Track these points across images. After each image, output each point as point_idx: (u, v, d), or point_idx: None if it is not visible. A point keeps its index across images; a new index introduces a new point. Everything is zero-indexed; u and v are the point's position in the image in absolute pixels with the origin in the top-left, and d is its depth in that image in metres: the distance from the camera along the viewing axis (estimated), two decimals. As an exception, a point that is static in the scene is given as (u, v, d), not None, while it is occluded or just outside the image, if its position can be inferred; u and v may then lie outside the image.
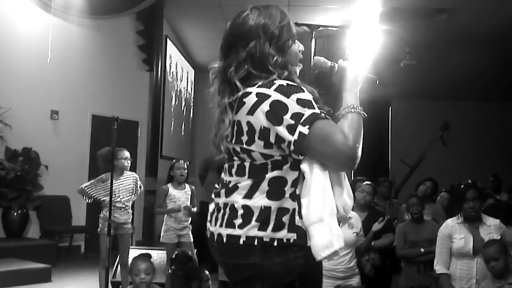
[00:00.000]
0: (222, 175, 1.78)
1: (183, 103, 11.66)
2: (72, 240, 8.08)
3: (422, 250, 4.39)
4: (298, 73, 1.82)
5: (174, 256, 4.27)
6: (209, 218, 1.76)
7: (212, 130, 1.76)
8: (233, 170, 1.69)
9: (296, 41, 1.82)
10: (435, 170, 8.82)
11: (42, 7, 7.90)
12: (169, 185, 5.34)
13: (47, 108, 8.02)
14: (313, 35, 7.50)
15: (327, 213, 1.59)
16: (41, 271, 6.11)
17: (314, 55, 7.29)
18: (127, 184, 5.06)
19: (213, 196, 1.78)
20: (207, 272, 4.32)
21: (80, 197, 8.15)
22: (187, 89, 11.93)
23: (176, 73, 10.81)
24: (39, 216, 7.71)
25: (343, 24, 8.44)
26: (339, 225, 1.64)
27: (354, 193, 4.94)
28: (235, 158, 1.69)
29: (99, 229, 4.94)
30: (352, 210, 4.30)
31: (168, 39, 9.73)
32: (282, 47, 1.74)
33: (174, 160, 5.50)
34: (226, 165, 1.75)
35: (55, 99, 8.08)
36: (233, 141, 1.67)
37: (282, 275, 1.58)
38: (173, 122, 10.69)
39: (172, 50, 10.17)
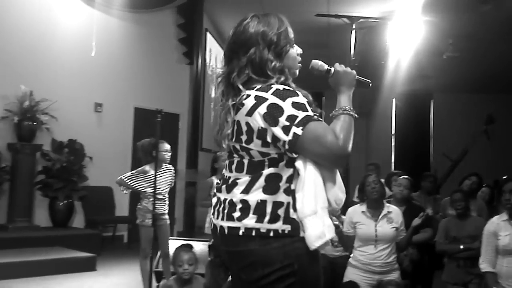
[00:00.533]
0: (223, 171, 1.92)
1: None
2: (116, 230, 8.28)
3: (461, 246, 4.31)
4: (297, 73, 1.96)
5: (211, 243, 4.28)
6: (212, 211, 1.91)
7: (215, 128, 1.90)
8: (233, 167, 1.83)
9: (295, 45, 1.95)
10: (478, 165, 8.63)
11: (85, 2, 8.10)
12: (214, 177, 5.38)
13: (91, 101, 8.22)
14: (353, 27, 7.43)
15: (319, 206, 1.73)
16: (87, 260, 6.27)
17: (355, 48, 7.25)
18: (166, 176, 5.13)
19: (215, 190, 1.92)
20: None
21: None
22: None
23: (216, 66, 10.88)
24: (84, 206, 7.93)
25: (384, 16, 8.33)
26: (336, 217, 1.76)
27: (390, 187, 4.91)
28: (235, 155, 1.83)
29: (139, 221, 5.01)
30: (390, 204, 4.30)
31: (208, 33, 9.80)
32: (280, 53, 1.87)
33: (217, 152, 5.51)
34: (227, 162, 1.89)
35: (99, 92, 8.27)
36: (233, 139, 1.81)
37: (281, 258, 1.71)
38: (212, 114, 10.78)
39: (212, 43, 10.24)
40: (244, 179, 1.79)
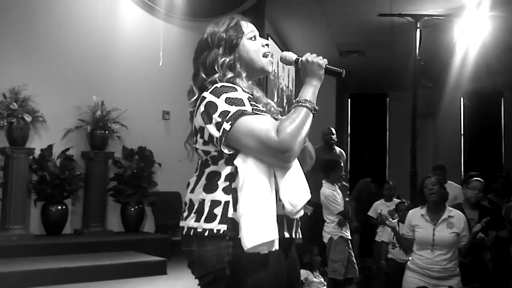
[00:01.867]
0: None
1: (285, 101, 11.77)
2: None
3: None
4: (270, 69, 1.93)
5: None
6: None
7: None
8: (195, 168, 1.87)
9: (257, 37, 1.92)
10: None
11: (149, 12, 8.35)
12: None
13: (159, 109, 8.44)
14: (418, 26, 7.27)
15: (259, 206, 1.62)
16: (157, 264, 6.39)
17: (420, 47, 7.09)
18: None
19: None
20: (316, 249, 4.38)
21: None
22: (288, 86, 12.04)
23: (278, 71, 10.94)
24: (154, 211, 8.13)
25: (450, 13, 8.11)
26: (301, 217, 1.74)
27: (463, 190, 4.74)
28: (198, 157, 1.87)
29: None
30: (462, 207, 4.17)
31: (269, 38, 9.87)
32: (231, 47, 1.86)
33: None
34: None
35: (166, 100, 8.48)
36: (192, 141, 1.88)
37: (213, 262, 1.69)
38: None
39: (274, 48, 10.30)
40: (193, 178, 1.83)
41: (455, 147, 13.20)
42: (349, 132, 14.62)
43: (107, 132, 7.40)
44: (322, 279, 4.26)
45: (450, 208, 4.01)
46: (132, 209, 7.67)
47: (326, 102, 11.75)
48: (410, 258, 4.04)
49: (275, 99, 10.78)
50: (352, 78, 12.56)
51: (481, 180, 4.62)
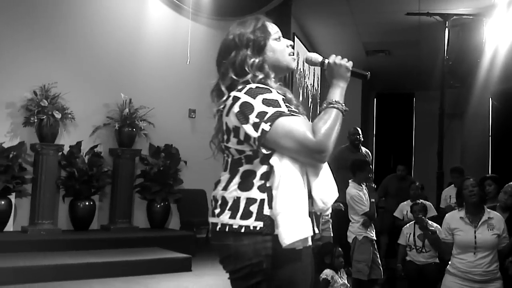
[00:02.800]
0: None
1: (310, 99, 11.75)
2: (209, 232, 8.49)
3: None
4: (294, 66, 1.99)
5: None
6: None
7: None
8: (223, 166, 1.91)
9: (282, 38, 1.97)
10: None
11: (177, 11, 8.42)
12: None
13: (185, 107, 8.51)
14: (447, 25, 7.19)
15: (295, 204, 1.71)
16: (182, 260, 6.45)
17: (448, 46, 7.01)
18: None
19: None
20: (339, 249, 4.36)
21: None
22: (313, 85, 12.01)
23: (304, 70, 10.93)
24: (179, 209, 8.20)
25: (479, 12, 8.00)
26: (327, 216, 1.69)
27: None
28: (224, 155, 1.92)
29: None
30: (494, 210, 4.11)
31: (295, 37, 9.87)
32: (259, 48, 1.91)
33: None
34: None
35: (192, 98, 8.53)
36: (222, 140, 1.88)
37: (250, 256, 1.73)
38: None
39: (299, 47, 10.29)
40: (225, 176, 1.86)
41: (483, 148, 12.99)
42: (374, 132, 14.52)
43: (134, 129, 7.50)
44: (345, 281, 4.25)
45: (489, 210, 3.94)
46: (158, 206, 7.76)
47: (352, 102, 11.68)
48: (449, 262, 3.97)
49: (300, 98, 10.78)
50: (379, 78, 12.48)
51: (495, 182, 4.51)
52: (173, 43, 8.30)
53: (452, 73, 8.29)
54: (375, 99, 14.59)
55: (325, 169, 1.83)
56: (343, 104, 1.83)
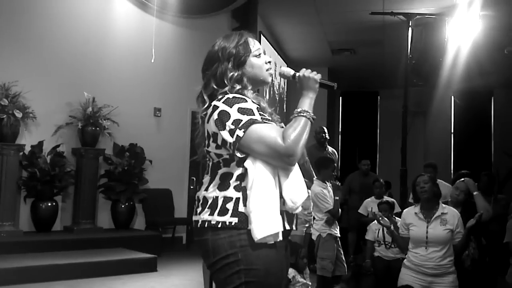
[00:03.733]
0: None
1: (277, 98, 11.79)
2: (175, 232, 8.45)
3: None
4: (269, 81, 2.20)
5: None
6: None
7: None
8: (206, 169, 2.07)
9: (262, 55, 2.16)
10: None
11: (142, 9, 8.33)
12: None
13: (150, 106, 8.44)
14: (410, 24, 7.29)
15: (266, 202, 1.89)
16: (148, 260, 6.43)
17: (412, 45, 7.11)
18: None
19: None
20: (304, 249, 4.37)
21: (181, 190, 8.52)
22: (280, 84, 12.05)
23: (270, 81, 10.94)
24: (144, 208, 8.13)
25: (442, 12, 8.15)
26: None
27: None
28: (206, 159, 2.08)
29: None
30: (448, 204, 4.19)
31: (262, 35, 9.87)
32: (239, 63, 2.08)
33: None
34: None
35: (158, 97, 8.48)
36: (203, 144, 2.05)
37: (226, 248, 1.90)
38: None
39: (266, 46, 10.30)
40: (206, 178, 2.04)
41: (445, 146, 13.29)
42: (340, 129, 14.66)
43: (98, 128, 7.38)
44: (307, 280, 4.26)
45: (444, 205, 4.03)
46: (123, 206, 7.67)
47: (318, 100, 11.60)
48: (406, 256, 4.05)
49: (267, 96, 10.80)
50: (344, 76, 12.60)
51: (465, 179, 4.59)
52: (138, 41, 8.21)
53: (415, 72, 8.43)
54: (340, 97, 14.74)
55: (295, 172, 2.00)
56: (311, 113, 2.01)
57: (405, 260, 4.04)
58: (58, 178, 6.92)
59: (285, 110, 12.58)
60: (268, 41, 10.43)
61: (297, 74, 2.12)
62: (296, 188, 1.98)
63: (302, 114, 1.99)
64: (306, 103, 2.04)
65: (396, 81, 8.90)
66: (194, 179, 8.72)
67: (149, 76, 8.28)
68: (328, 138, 7.32)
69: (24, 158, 6.77)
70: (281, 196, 1.95)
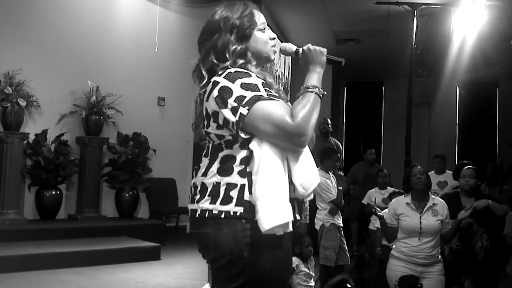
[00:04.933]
0: None
1: (281, 88, 11.75)
2: (179, 221, 8.48)
3: None
4: (273, 58, 1.99)
5: None
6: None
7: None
8: (203, 152, 1.88)
9: (267, 29, 1.96)
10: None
11: (146, -2, 8.32)
12: None
13: (154, 95, 8.44)
14: (415, 14, 7.26)
15: (274, 189, 1.68)
16: (151, 249, 6.45)
17: (416, 35, 7.08)
18: None
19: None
20: (309, 238, 4.38)
21: (185, 179, 8.51)
22: (284, 74, 12.01)
23: (274, 58, 10.90)
24: (148, 197, 8.15)
25: (447, 2, 8.09)
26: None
27: (458, 179, 4.74)
28: (205, 141, 1.88)
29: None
30: (456, 196, 4.19)
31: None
32: (243, 36, 1.88)
33: None
34: None
35: (162, 86, 8.47)
36: (202, 126, 1.85)
37: (230, 246, 1.71)
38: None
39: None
40: (204, 162, 1.83)
41: (450, 136, 13.24)
42: (344, 120, 14.64)
43: (102, 117, 7.39)
44: (310, 271, 4.27)
45: (433, 196, 4.07)
46: (127, 195, 7.69)
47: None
48: (393, 246, 4.07)
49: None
50: (348, 67, 12.51)
51: (472, 166, 4.59)
52: (141, 30, 8.19)
53: (420, 62, 8.40)
54: (345, 88, 14.69)
55: (306, 155, 1.81)
56: (321, 89, 1.82)
57: (392, 250, 4.04)
58: (62, 166, 6.93)
59: (289, 101, 12.55)
60: (272, 30, 10.35)
61: (301, 49, 1.95)
62: (308, 172, 1.79)
63: (310, 89, 1.80)
64: (314, 78, 1.85)
65: (401, 71, 8.89)
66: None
67: (153, 65, 8.27)
68: (331, 130, 7.33)
69: (28, 146, 6.78)
70: (290, 182, 1.76)
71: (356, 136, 14.02)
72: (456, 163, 12.12)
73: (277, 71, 11.17)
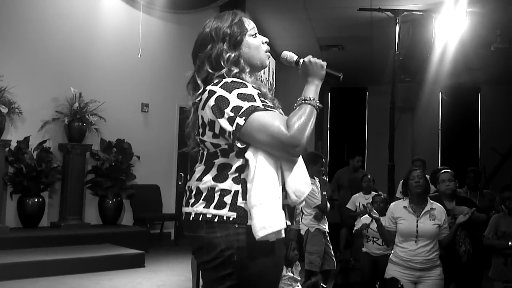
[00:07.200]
0: None
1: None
2: (163, 227, 8.43)
3: (510, 243, 4.21)
4: (267, 63, 2.02)
5: None
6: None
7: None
8: (198, 158, 1.93)
9: (258, 35, 2.01)
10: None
11: (130, 4, 8.28)
12: None
13: (138, 101, 8.40)
14: (397, 21, 7.32)
15: (269, 197, 1.74)
16: (135, 256, 6.41)
17: (399, 41, 7.14)
18: None
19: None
20: (294, 242, 4.37)
21: (169, 186, 8.47)
22: (268, 79, 12.04)
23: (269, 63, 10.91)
24: (132, 204, 8.10)
25: (429, 8, 8.18)
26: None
27: (435, 184, 4.78)
28: (200, 148, 1.92)
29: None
30: (439, 200, 4.22)
31: (250, 31, 9.84)
32: (236, 43, 1.93)
33: None
34: None
35: (145, 92, 8.44)
36: (197, 133, 1.90)
37: (222, 248, 1.76)
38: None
39: (254, 41, 10.27)
40: (200, 168, 1.88)
41: (433, 141, 13.36)
42: (328, 125, 14.69)
43: (84, 124, 7.34)
44: (295, 275, 4.26)
45: (432, 201, 4.07)
46: (110, 202, 7.64)
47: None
48: (392, 251, 4.07)
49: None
50: (332, 72, 12.58)
51: (448, 170, 4.62)
52: (125, 36, 8.16)
53: (403, 68, 8.45)
54: (329, 93, 14.75)
55: (299, 163, 1.86)
56: (317, 101, 1.86)
57: (391, 255, 4.05)
58: (45, 174, 6.87)
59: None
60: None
61: (301, 60, 1.98)
62: (301, 181, 1.84)
63: (307, 101, 1.84)
64: (312, 91, 1.89)
65: (384, 77, 8.94)
66: (182, 175, 8.71)
67: (136, 72, 8.24)
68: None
69: (10, 153, 6.70)
70: (283, 189, 1.82)
71: (340, 141, 14.06)
72: (440, 167, 12.27)
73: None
